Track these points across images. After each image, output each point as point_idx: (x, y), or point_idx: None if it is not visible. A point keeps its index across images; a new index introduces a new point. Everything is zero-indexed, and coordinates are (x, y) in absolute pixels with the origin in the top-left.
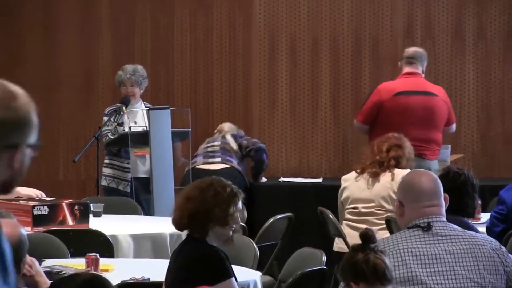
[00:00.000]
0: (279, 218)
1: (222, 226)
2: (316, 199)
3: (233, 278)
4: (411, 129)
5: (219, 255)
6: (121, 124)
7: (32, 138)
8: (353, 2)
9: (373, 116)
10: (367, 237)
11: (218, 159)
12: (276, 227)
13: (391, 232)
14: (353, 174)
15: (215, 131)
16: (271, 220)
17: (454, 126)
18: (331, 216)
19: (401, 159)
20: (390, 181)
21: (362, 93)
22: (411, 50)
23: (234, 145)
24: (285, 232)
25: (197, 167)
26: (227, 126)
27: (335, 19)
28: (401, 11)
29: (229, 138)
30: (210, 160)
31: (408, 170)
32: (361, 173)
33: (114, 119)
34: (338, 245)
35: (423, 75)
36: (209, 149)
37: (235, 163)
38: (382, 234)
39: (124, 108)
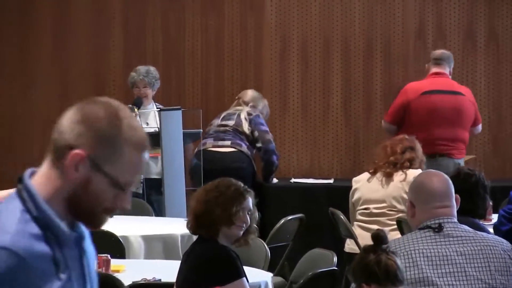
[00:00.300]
0: (290, 219)
1: (227, 226)
2: (327, 200)
3: (244, 278)
4: (438, 127)
5: (230, 255)
6: None
7: (114, 168)
8: (365, 3)
9: (401, 116)
10: (378, 238)
11: (228, 142)
12: (287, 228)
13: (402, 233)
14: (364, 175)
15: (237, 97)
16: (282, 221)
17: (480, 127)
18: (342, 217)
19: (414, 161)
20: (402, 181)
21: (373, 94)
22: (438, 51)
23: (246, 128)
24: (296, 233)
25: (207, 149)
26: (249, 95)
27: (347, 20)
28: (413, 12)
29: (243, 118)
30: (220, 142)
31: (420, 171)
32: (373, 173)
33: None
34: (349, 246)
35: (450, 76)
36: (221, 128)
37: (244, 147)
38: (393, 235)
39: (136, 109)
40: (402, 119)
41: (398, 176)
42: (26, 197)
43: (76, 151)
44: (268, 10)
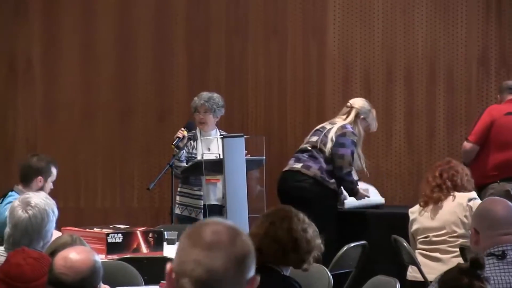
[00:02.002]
0: (353, 246)
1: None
2: (390, 227)
3: None
4: None
5: (293, 286)
6: (179, 147)
7: None
8: (428, 30)
9: (485, 136)
10: (477, 263)
11: (299, 165)
12: (350, 255)
13: (465, 260)
14: (418, 206)
15: (349, 104)
16: (345, 248)
17: None
18: (405, 244)
19: (455, 178)
20: (454, 205)
21: (436, 120)
22: (510, 82)
23: (327, 150)
24: (359, 260)
25: (283, 170)
26: (359, 103)
27: (409, 47)
28: (476, 39)
29: (330, 138)
30: (295, 165)
31: (472, 193)
32: (425, 205)
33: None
34: (412, 273)
35: None
36: (303, 146)
37: (314, 168)
38: (455, 262)
39: (197, 134)
40: (485, 140)
41: (448, 201)
42: None
43: None
44: (331, 36)
